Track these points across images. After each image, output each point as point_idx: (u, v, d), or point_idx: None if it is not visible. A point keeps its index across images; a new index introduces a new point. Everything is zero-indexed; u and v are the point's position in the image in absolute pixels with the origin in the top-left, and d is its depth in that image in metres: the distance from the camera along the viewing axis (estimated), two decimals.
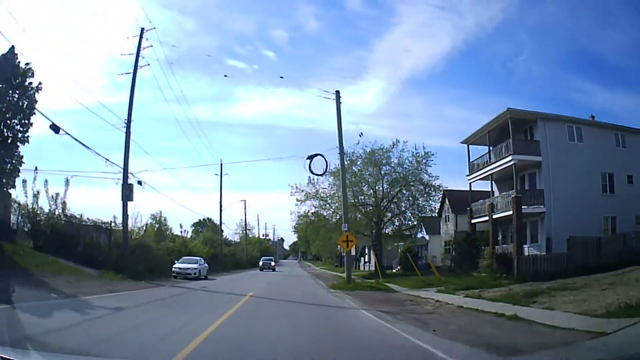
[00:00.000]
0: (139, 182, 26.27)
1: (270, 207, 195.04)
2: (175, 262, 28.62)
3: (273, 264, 51.51)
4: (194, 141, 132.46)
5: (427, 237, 45.66)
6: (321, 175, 22.07)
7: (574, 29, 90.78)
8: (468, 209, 33.44)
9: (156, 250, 30.52)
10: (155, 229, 37.60)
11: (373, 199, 36.13)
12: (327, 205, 36.80)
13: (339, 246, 72.03)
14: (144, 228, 29.17)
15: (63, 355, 5.34)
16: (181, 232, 38.03)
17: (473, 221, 33.00)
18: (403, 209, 37.53)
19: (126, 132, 25.82)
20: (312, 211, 37.37)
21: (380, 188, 36.21)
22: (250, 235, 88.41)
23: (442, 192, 39.15)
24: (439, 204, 41.25)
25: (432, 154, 35.71)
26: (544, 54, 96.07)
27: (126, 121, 25.93)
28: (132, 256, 25.55)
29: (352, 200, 35.11)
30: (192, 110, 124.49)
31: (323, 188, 36.37)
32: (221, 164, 49.07)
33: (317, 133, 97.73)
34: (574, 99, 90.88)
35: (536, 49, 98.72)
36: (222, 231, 77.37)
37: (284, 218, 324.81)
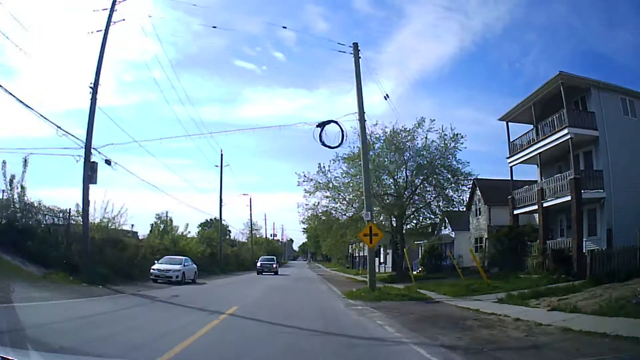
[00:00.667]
0: (107, 162, 21.19)
1: (280, 209, 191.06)
2: (155, 262, 23.44)
3: (275, 265, 41.84)
4: (199, 140, 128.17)
5: (452, 234, 40.02)
6: (336, 147, 16.77)
7: (582, 29, 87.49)
8: (509, 197, 27.88)
9: (135, 247, 25.41)
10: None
11: (393, 188, 30.68)
12: (340, 197, 31.42)
13: (350, 246, 67.03)
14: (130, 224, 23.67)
15: (63, 355, 5.15)
16: (172, 228, 32.76)
17: (516, 212, 27.43)
18: (428, 200, 31.97)
19: (92, 98, 20.98)
20: (323, 203, 31.87)
21: (404, 176, 30.73)
22: (257, 236, 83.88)
23: (471, 181, 33.47)
24: (468, 196, 35.58)
25: (462, 137, 30.20)
26: (551, 54, 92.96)
27: (92, 85, 21.07)
28: (99, 254, 20.60)
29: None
30: (193, 105, 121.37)
31: (335, 177, 31.02)
32: (221, 154, 44.28)
33: (327, 134, 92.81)
34: None
35: (544, 50, 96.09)
36: (229, 230, 73.06)
37: (294, 219, 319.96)
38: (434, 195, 31.67)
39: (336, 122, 17.24)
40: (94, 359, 5.29)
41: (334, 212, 32.00)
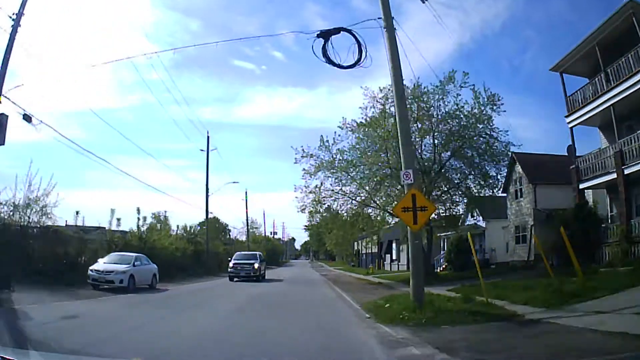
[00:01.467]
0: (26, 117, 15.07)
1: (282, 208, 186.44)
2: (99, 260, 17.07)
3: (258, 265, 26.80)
4: (194, 135, 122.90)
5: (482, 224, 33.52)
6: (350, 67, 10.32)
7: (580, 25, 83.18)
8: (572, 167, 21.56)
9: (79, 241, 19.18)
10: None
11: (417, 163, 24.16)
12: (350, 178, 24.94)
13: (356, 242, 59.92)
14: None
15: (63, 355, 5.08)
16: (139, 220, 26.07)
17: (582, 186, 21.06)
18: (458, 180, 25.42)
19: (12, 30, 15.17)
20: (327, 185, 25.29)
21: (430, 147, 24.32)
22: (257, 234, 77.64)
23: (509, 156, 26.83)
24: (505, 176, 28.93)
25: (500, 98, 23.76)
26: (550, 51, 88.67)
27: (15, 14, 15.34)
28: (8, 247, 14.39)
29: (386, 164, 23.38)
30: (189, 105, 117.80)
31: (342, 149, 24.53)
32: (207, 137, 38.23)
33: (329, 132, 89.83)
34: None
35: (542, 46, 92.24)
36: (228, 229, 66.53)
37: (296, 219, 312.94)
38: (466, 173, 25.23)
39: (348, 31, 10.82)
40: (94, 359, 5.25)
41: (340, 196, 25.48)
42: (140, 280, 16.96)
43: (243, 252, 31.05)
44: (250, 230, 73.66)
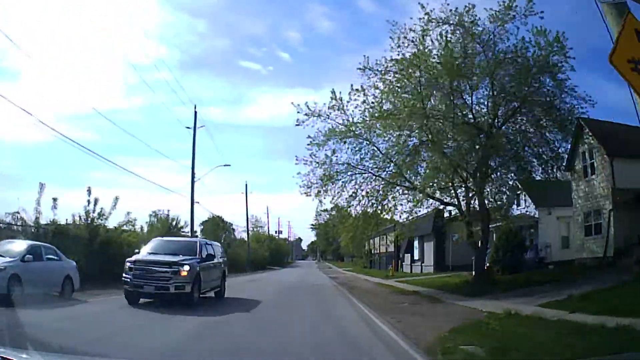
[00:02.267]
0: None
1: (287, 209, 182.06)
2: None
3: (187, 271, 11.24)
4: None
5: (535, 214, 26.73)
6: None
7: (582, 25, 78.83)
8: None
9: None
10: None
11: (471, 116, 17.58)
12: (372, 147, 18.55)
13: (369, 242, 52.73)
14: None
15: (63, 355, 4.87)
16: (89, 204, 19.55)
17: None
18: (514, 150, 18.86)
19: None
20: (343, 159, 18.79)
21: (485, 96, 17.95)
22: (261, 232, 71.59)
23: (575, 123, 20.30)
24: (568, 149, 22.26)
25: (566, 39, 17.25)
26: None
27: None
28: None
29: (425, 126, 16.90)
30: (196, 106, 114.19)
31: (366, 103, 17.99)
32: (195, 112, 32.01)
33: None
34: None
35: None
36: (233, 228, 60.13)
37: (303, 220, 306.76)
38: (528, 138, 18.82)
39: None
40: (94, 359, 5.19)
41: (359, 172, 18.99)
42: (37, 284, 10.46)
43: (165, 239, 15.34)
44: (255, 229, 67.59)
